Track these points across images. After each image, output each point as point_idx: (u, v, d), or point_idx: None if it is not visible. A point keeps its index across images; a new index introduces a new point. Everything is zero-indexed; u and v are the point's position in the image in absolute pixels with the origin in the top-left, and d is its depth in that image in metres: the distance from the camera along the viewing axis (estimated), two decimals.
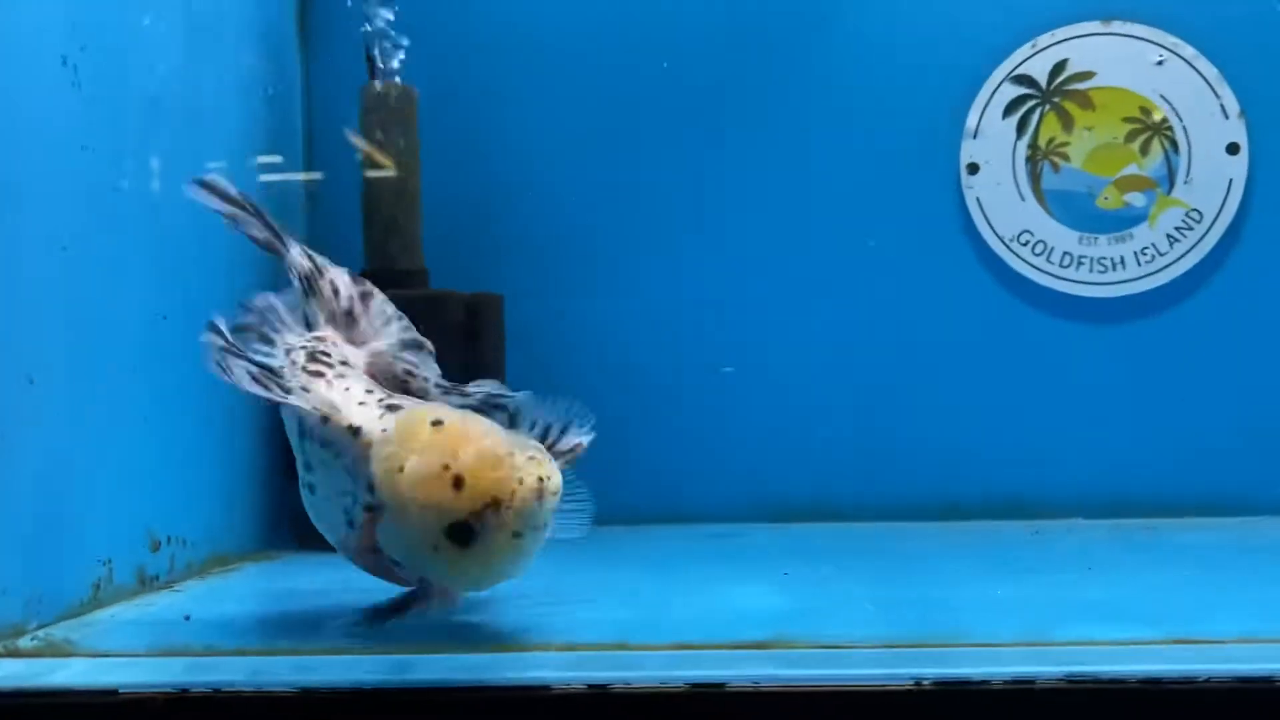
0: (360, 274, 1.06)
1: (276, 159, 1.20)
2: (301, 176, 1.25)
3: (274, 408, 0.85)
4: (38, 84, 0.80)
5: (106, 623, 0.80)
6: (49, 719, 0.60)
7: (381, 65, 1.13)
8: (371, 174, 1.16)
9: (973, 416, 1.18)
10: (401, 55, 1.17)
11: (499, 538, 0.60)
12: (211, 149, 1.07)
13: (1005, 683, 0.56)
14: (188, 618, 0.78)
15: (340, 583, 0.87)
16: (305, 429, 0.69)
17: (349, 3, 1.20)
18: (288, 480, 1.05)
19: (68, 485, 0.81)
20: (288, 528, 1.12)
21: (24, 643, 0.72)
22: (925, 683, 0.55)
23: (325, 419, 0.66)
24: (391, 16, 1.16)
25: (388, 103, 1.13)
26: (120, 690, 0.60)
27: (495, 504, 0.59)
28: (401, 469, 0.61)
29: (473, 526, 0.59)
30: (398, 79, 1.14)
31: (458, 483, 0.59)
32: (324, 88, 1.24)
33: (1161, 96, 1.18)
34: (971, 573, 0.90)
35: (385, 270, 1.14)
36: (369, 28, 1.16)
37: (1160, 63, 1.17)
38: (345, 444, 0.66)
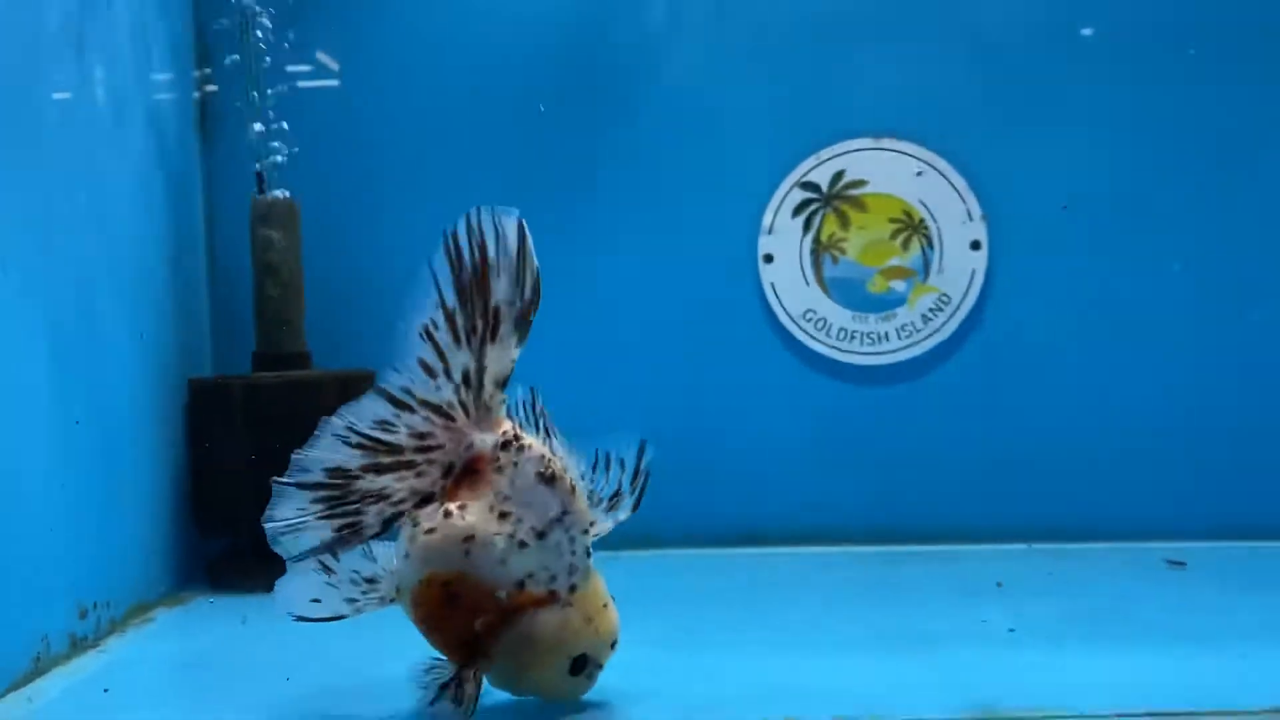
0: (253, 354, 1.19)
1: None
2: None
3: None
4: None
5: (47, 695, 0.83)
6: None
7: (265, 181, 1.19)
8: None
9: (766, 457, 1.28)
10: (281, 159, 1.20)
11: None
12: (118, 243, 1.09)
13: None
14: (106, 690, 0.84)
15: (246, 637, 0.98)
16: None
17: (240, 105, 1.23)
18: (198, 526, 1.17)
19: (7, 569, 0.85)
20: (203, 571, 1.18)
21: None
22: None
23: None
24: (272, 127, 1.21)
25: (273, 213, 1.19)
26: None
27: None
28: None
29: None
30: (282, 193, 1.19)
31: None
32: (222, 185, 1.27)
33: (920, 201, 1.26)
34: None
35: (273, 354, 1.20)
36: (254, 134, 1.20)
37: (920, 174, 1.26)
38: None
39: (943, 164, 1.26)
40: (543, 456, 0.70)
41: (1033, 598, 1.03)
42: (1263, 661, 0.83)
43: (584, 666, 0.72)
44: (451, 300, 0.69)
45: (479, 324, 0.69)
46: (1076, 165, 1.27)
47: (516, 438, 0.70)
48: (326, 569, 0.72)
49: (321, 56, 1.28)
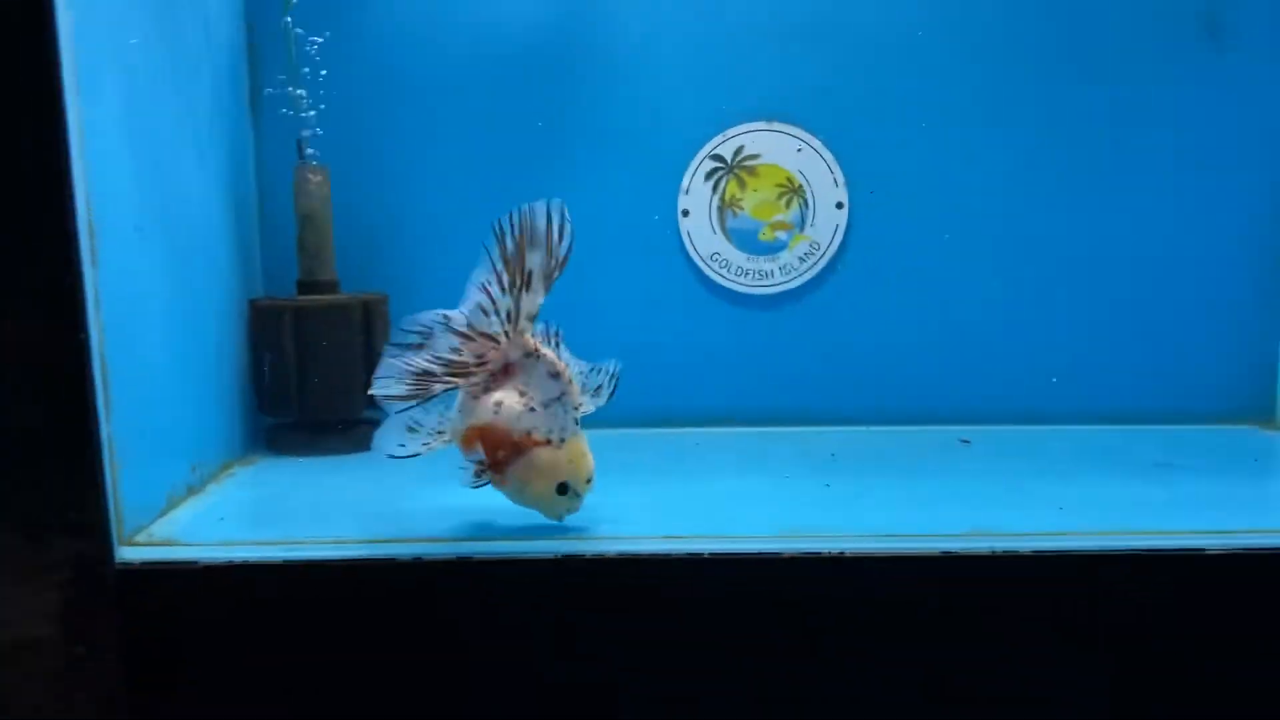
0: (296, 281, 1.40)
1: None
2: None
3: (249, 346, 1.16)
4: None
5: (182, 521, 1.04)
6: (194, 583, 0.90)
7: (304, 148, 1.37)
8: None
9: (681, 360, 1.45)
10: (316, 132, 1.37)
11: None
12: (200, 197, 1.25)
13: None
14: (221, 518, 1.06)
15: (306, 483, 1.20)
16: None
17: (277, 89, 1.38)
18: (260, 407, 1.37)
19: (152, 437, 1.06)
20: (263, 440, 1.37)
21: (146, 535, 1.00)
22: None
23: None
24: (308, 103, 1.39)
25: (309, 174, 1.37)
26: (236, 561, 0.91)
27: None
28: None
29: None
30: (315, 160, 1.38)
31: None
32: (269, 151, 1.43)
33: (800, 171, 1.44)
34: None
35: (310, 281, 1.38)
36: (291, 112, 1.37)
37: (799, 150, 1.44)
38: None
39: (816, 142, 1.43)
40: (552, 361, 0.98)
41: (858, 463, 1.29)
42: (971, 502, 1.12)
43: (566, 491, 1.00)
44: (499, 265, 0.95)
45: (517, 281, 0.95)
46: (922, 143, 1.43)
47: (536, 350, 0.99)
48: (410, 428, 1.04)
49: (349, 44, 1.41)
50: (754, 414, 1.48)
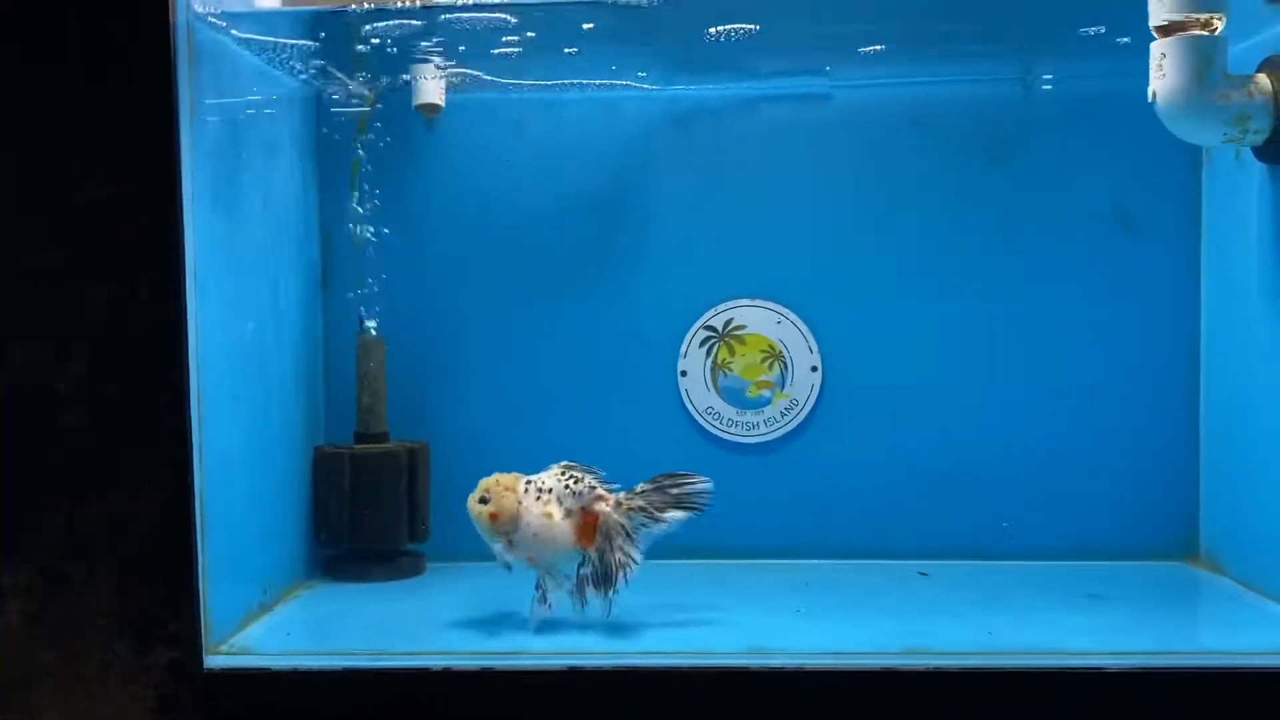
0: (354, 432, 1.57)
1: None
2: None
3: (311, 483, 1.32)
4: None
5: (256, 635, 1.16)
6: (279, 690, 1.00)
7: (364, 321, 1.52)
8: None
9: None
10: (377, 315, 1.53)
11: None
12: (277, 360, 1.39)
13: None
14: (288, 634, 1.19)
15: (358, 606, 1.31)
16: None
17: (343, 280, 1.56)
18: (319, 539, 1.47)
19: (236, 561, 1.17)
20: (321, 568, 1.47)
21: (228, 645, 1.11)
22: None
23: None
24: (369, 284, 1.53)
25: (368, 343, 1.51)
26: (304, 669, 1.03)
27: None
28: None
29: None
30: (374, 332, 1.52)
31: None
32: (335, 321, 1.58)
33: (780, 340, 1.57)
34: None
35: (366, 432, 1.50)
36: (355, 293, 1.54)
37: (779, 322, 1.57)
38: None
39: (793, 316, 1.58)
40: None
41: (822, 593, 1.38)
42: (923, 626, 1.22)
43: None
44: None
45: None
46: (885, 312, 1.57)
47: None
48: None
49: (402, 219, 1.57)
50: (740, 548, 1.58)
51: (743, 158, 1.60)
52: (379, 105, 1.55)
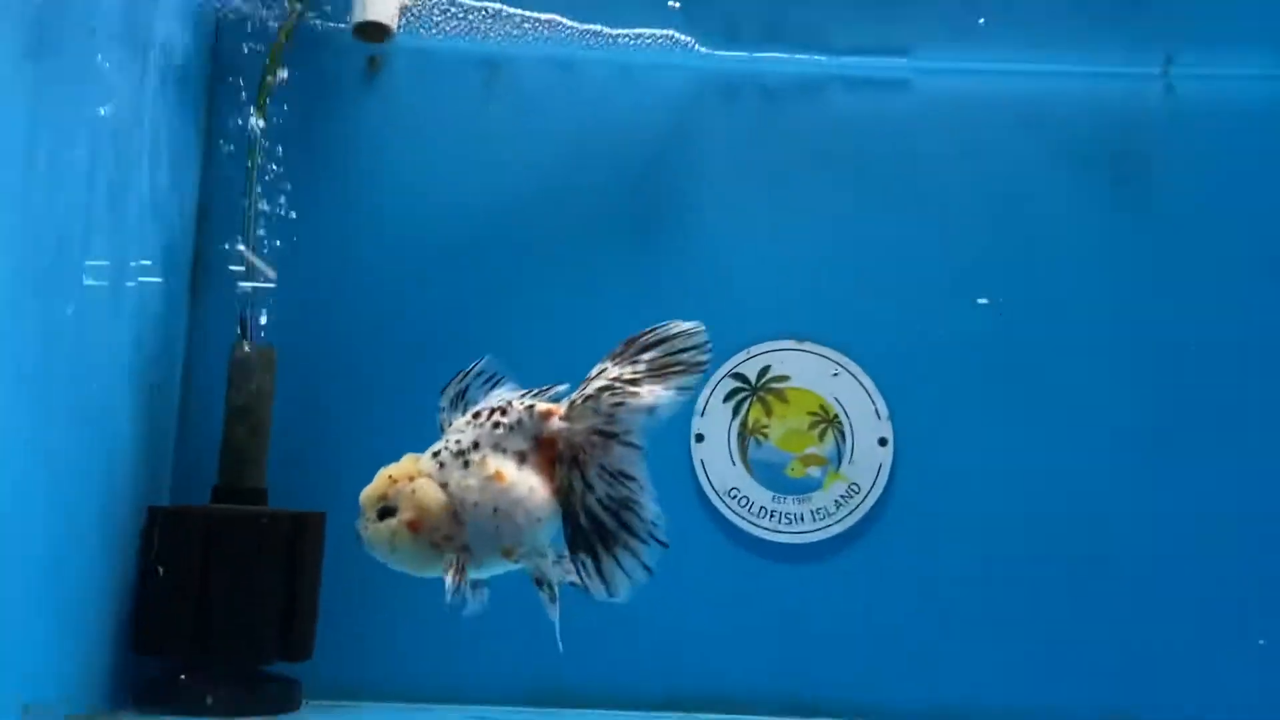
0: (213, 488, 1.19)
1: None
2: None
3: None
4: None
5: None
6: None
7: (250, 327, 1.21)
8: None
9: (686, 624, 1.24)
10: (264, 318, 1.23)
11: None
12: (89, 375, 1.07)
13: None
14: None
15: None
16: None
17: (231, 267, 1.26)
18: (136, 643, 1.15)
19: None
20: (129, 692, 1.14)
21: None
22: None
23: None
24: (271, 284, 1.25)
25: (252, 359, 1.20)
26: None
27: None
28: None
29: None
30: (262, 335, 1.22)
31: None
32: (204, 332, 1.28)
33: (835, 398, 1.30)
34: None
35: (233, 488, 1.19)
36: (247, 289, 1.23)
37: (835, 375, 1.31)
38: None
39: (855, 367, 1.31)
40: None
41: None
42: None
43: None
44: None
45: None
46: (972, 368, 1.30)
47: None
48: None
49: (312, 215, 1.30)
50: (776, 703, 1.27)
51: (798, 151, 1.36)
52: (307, 16, 1.27)
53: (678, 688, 1.27)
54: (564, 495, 0.76)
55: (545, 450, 0.78)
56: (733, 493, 1.30)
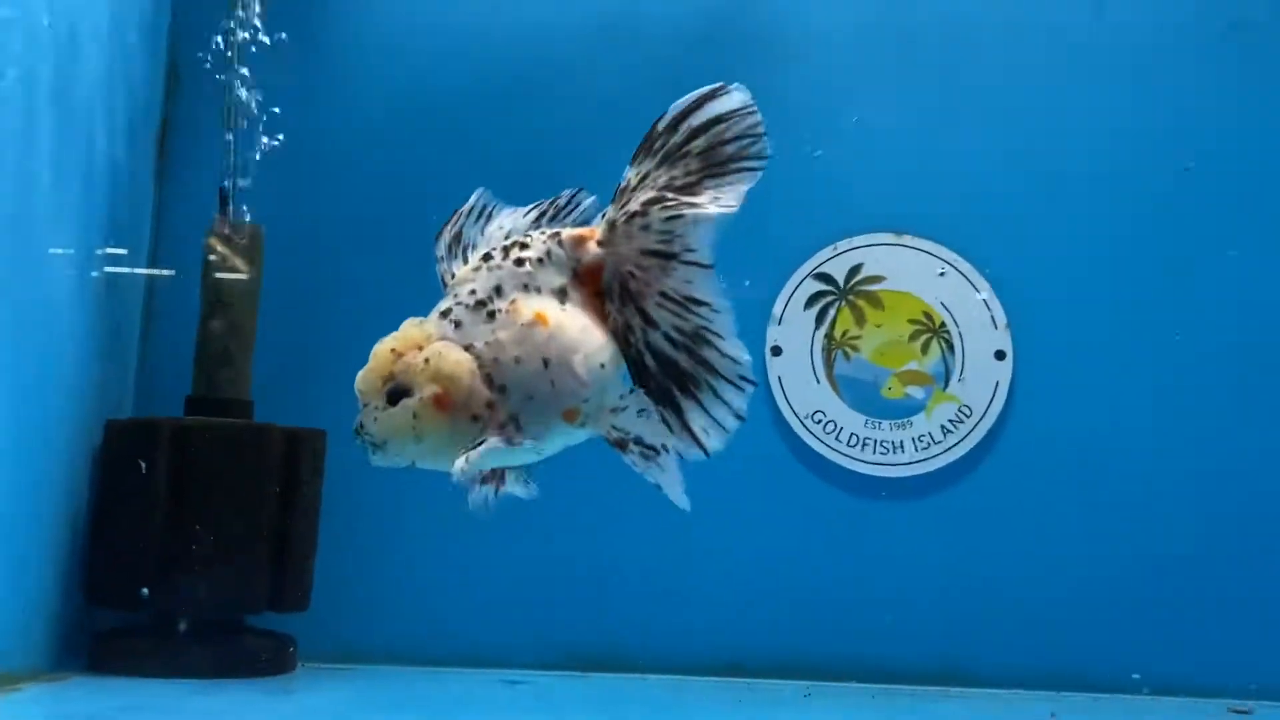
0: (186, 399, 1.01)
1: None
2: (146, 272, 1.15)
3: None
4: None
5: None
6: None
7: (231, 201, 1.03)
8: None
9: (760, 579, 1.12)
10: (247, 183, 1.07)
11: None
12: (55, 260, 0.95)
13: None
14: None
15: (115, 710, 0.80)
16: None
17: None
18: (80, 597, 0.98)
19: None
20: (80, 649, 0.99)
21: None
22: None
23: None
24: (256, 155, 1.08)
25: (234, 238, 1.04)
26: None
27: None
28: None
29: None
30: (247, 216, 1.04)
31: None
32: (176, 208, 1.14)
33: (942, 304, 1.18)
34: None
35: (210, 398, 1.03)
36: (230, 158, 1.06)
37: (942, 274, 1.19)
38: None
39: (966, 265, 1.18)
40: None
41: None
42: None
43: None
44: None
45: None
46: (1106, 272, 1.16)
47: None
48: None
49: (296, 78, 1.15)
50: (860, 665, 1.13)
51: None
52: None
53: (742, 649, 1.14)
54: (620, 337, 0.65)
55: (588, 284, 0.66)
56: (817, 416, 1.17)
